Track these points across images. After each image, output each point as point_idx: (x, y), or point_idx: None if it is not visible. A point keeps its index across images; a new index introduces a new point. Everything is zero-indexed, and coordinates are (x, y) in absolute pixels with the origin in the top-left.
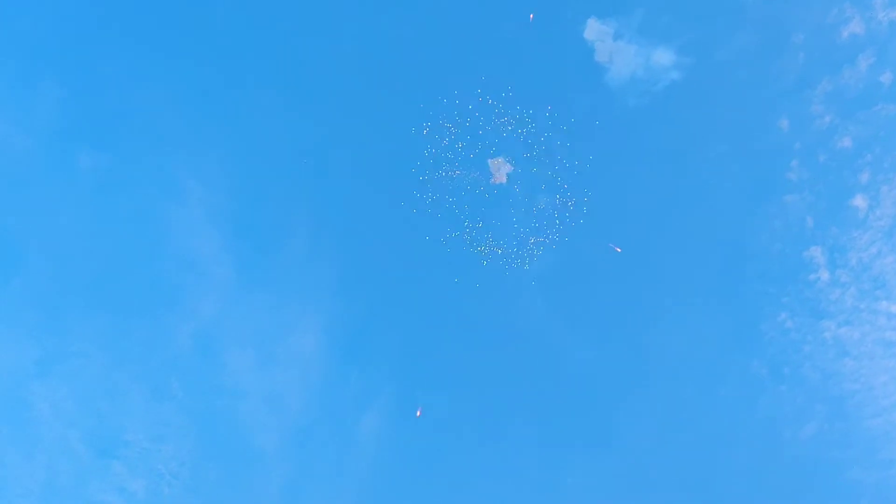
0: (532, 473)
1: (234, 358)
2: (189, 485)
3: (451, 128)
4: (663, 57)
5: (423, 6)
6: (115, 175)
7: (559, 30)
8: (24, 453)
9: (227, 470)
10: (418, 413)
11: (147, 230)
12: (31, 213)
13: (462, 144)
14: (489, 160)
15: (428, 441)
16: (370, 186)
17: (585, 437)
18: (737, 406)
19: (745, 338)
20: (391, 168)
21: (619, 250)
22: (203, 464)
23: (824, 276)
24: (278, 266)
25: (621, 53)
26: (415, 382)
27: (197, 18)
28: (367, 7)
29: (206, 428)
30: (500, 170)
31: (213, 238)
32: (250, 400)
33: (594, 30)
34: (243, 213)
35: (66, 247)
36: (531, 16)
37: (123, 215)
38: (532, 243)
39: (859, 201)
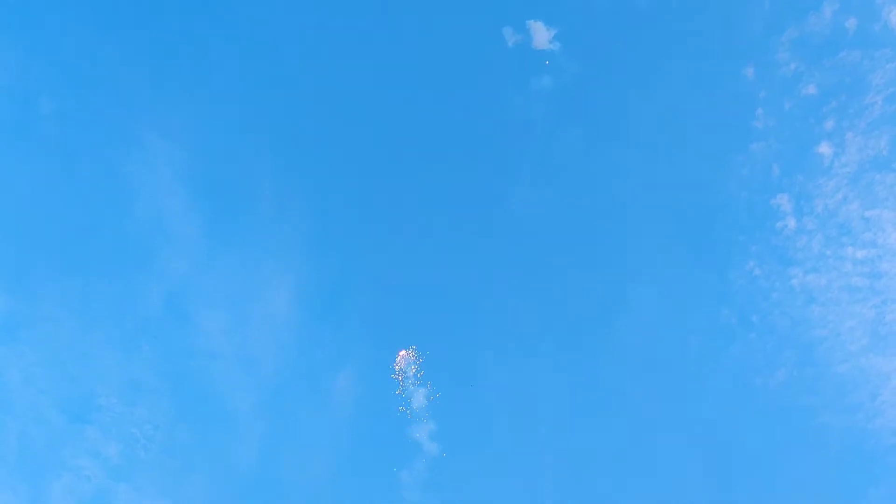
0: (508, 426)
1: (205, 319)
2: (164, 447)
3: None
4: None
5: None
6: (78, 135)
7: None
8: None
9: (202, 432)
10: None
11: (112, 191)
12: None
13: None
14: None
15: (403, 398)
16: (339, 141)
17: (558, 390)
18: (707, 356)
19: (714, 287)
20: (360, 121)
21: None
22: (178, 426)
23: (791, 223)
24: (247, 224)
25: None
26: (388, 340)
27: None
28: None
29: (179, 390)
30: None
31: (180, 197)
32: (223, 361)
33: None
34: (210, 171)
35: (29, 210)
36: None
37: (87, 176)
38: None
39: (825, 148)
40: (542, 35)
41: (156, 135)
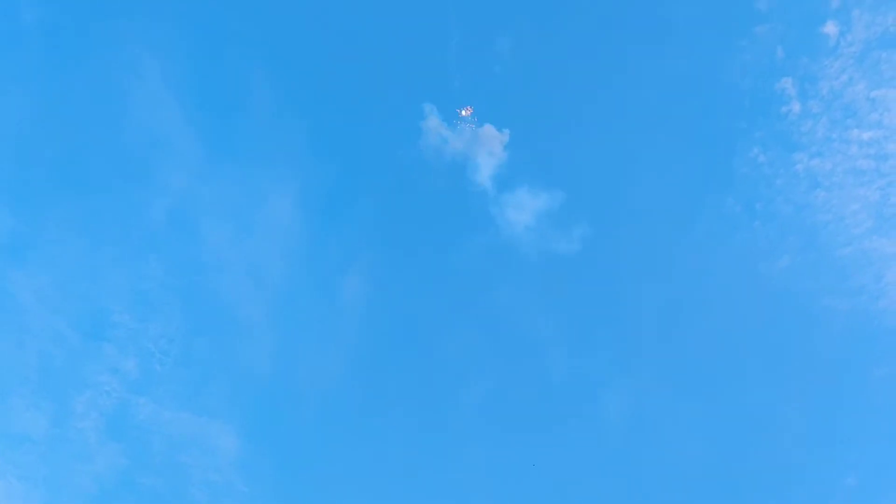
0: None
1: (210, 232)
2: (180, 360)
3: None
4: None
5: None
6: (69, 54)
7: None
8: (14, 342)
9: (215, 343)
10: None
11: (107, 110)
12: None
13: None
14: None
15: (411, 299)
16: (333, 42)
17: (562, 284)
18: (712, 244)
19: (718, 176)
20: (355, 22)
21: None
22: (191, 339)
23: (796, 107)
24: (245, 134)
25: None
26: (393, 241)
27: None
28: None
29: (190, 304)
30: None
31: (175, 111)
32: (231, 272)
33: None
34: (203, 82)
35: (23, 132)
36: None
37: (81, 97)
38: None
39: (830, 28)
40: None
41: (143, 47)
